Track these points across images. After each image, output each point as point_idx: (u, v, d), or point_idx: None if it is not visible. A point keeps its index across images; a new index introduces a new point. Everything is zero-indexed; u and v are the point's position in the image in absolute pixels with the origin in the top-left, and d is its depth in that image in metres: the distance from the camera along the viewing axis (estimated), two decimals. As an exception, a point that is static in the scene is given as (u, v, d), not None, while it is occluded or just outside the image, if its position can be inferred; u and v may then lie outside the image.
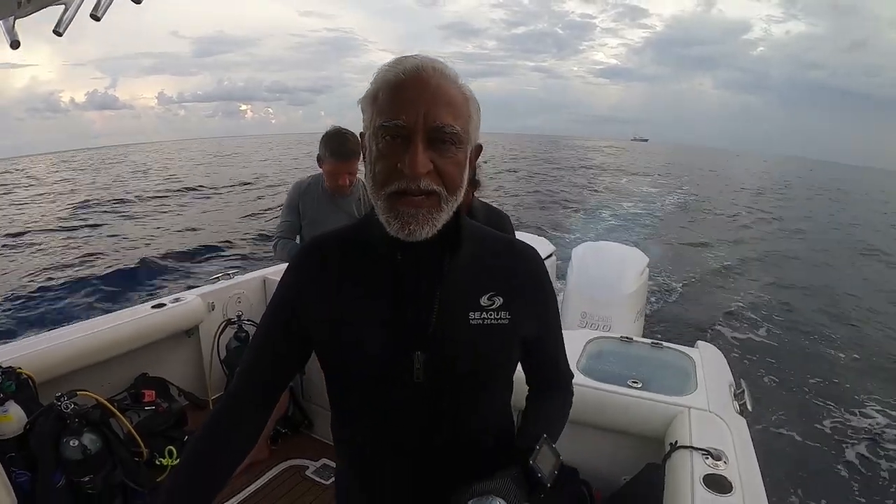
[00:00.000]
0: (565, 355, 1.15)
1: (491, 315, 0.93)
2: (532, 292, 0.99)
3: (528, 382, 1.14)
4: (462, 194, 0.89)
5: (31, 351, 2.35)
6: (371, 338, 0.92)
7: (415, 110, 0.80)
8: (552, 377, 1.13)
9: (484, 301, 0.94)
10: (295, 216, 2.69)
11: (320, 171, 2.60)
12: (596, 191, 25.88)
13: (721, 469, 1.61)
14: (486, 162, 2.38)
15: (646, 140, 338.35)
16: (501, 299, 0.94)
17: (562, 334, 1.11)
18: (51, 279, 8.92)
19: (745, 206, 24.16)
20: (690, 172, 48.47)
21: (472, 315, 0.93)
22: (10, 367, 2.15)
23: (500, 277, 0.96)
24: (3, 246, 12.33)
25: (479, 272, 0.96)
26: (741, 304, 8.94)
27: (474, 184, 2.30)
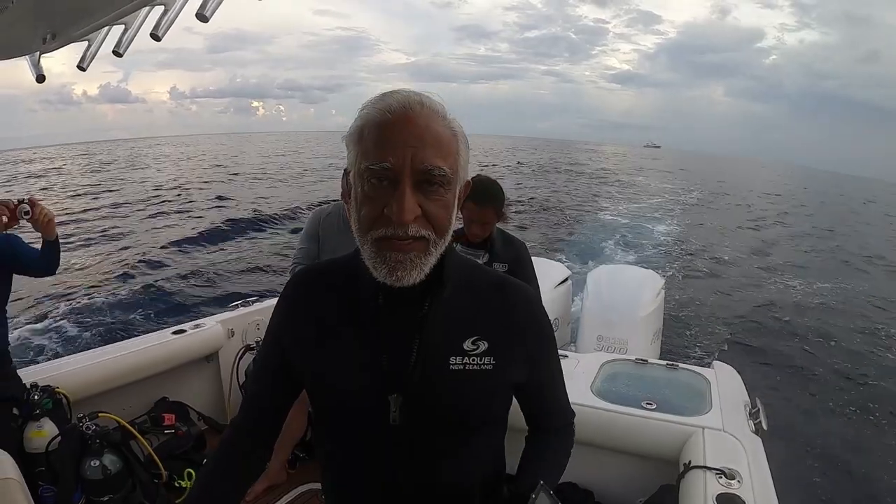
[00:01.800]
0: (566, 396, 1.10)
1: (473, 361, 0.90)
2: (523, 333, 0.95)
3: (527, 422, 1.10)
4: (450, 235, 0.86)
5: (65, 371, 2.42)
6: (348, 379, 0.91)
7: (402, 152, 0.77)
8: (549, 421, 1.09)
9: (467, 345, 0.90)
10: (314, 244, 2.70)
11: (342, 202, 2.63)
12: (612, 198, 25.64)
13: (735, 488, 1.60)
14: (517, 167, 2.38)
15: (658, 147, 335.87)
16: (486, 344, 0.90)
17: (560, 371, 1.06)
18: (81, 299, 9.08)
19: (762, 216, 23.94)
20: (707, 180, 48.12)
21: (452, 360, 0.89)
22: (48, 385, 2.23)
23: (486, 320, 0.92)
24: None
25: (464, 314, 0.92)
26: (760, 321, 8.80)
27: (500, 216, 2.31)
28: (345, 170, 0.89)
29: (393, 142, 0.77)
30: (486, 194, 2.25)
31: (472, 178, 2.33)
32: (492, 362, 0.90)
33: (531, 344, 0.96)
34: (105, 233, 14.74)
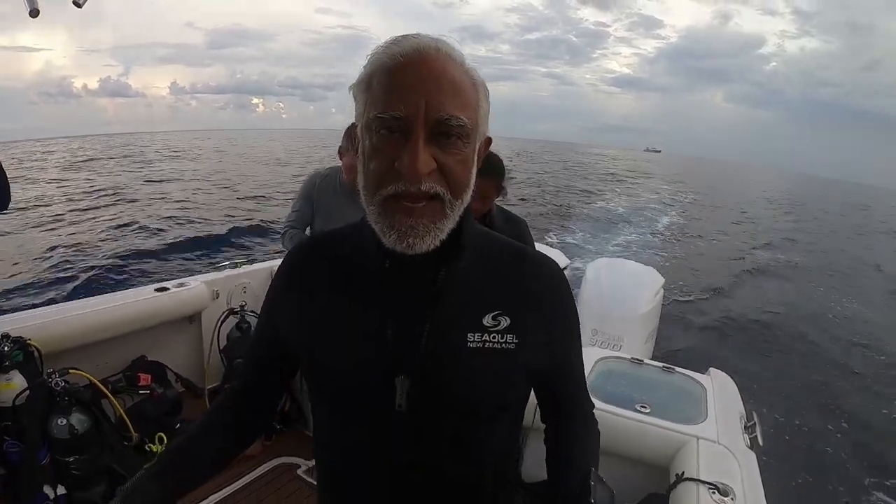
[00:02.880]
0: (585, 386, 0.99)
1: (494, 338, 0.80)
2: (548, 312, 0.85)
3: (543, 413, 0.99)
4: (469, 196, 0.77)
5: (38, 322, 2.34)
6: (350, 358, 0.82)
7: (415, 99, 0.68)
8: (576, 408, 0.98)
9: (487, 321, 0.80)
10: (308, 207, 2.63)
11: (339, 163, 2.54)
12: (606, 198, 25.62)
13: (727, 506, 1.54)
14: (512, 170, 2.32)
15: (658, 151, 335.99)
16: (508, 320, 0.80)
17: (582, 361, 0.96)
18: (65, 253, 9.00)
19: (763, 223, 23.97)
20: (709, 185, 48.26)
21: (470, 336, 0.79)
22: (19, 336, 2.15)
23: (508, 294, 0.83)
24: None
25: (484, 287, 0.82)
26: (756, 330, 8.77)
27: (500, 191, 2.23)
28: (348, 127, 0.80)
29: (405, 88, 0.69)
30: (488, 166, 2.17)
31: None
32: (514, 340, 0.80)
33: (558, 323, 0.87)
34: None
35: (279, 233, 2.81)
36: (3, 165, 1.88)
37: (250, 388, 0.98)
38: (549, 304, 0.86)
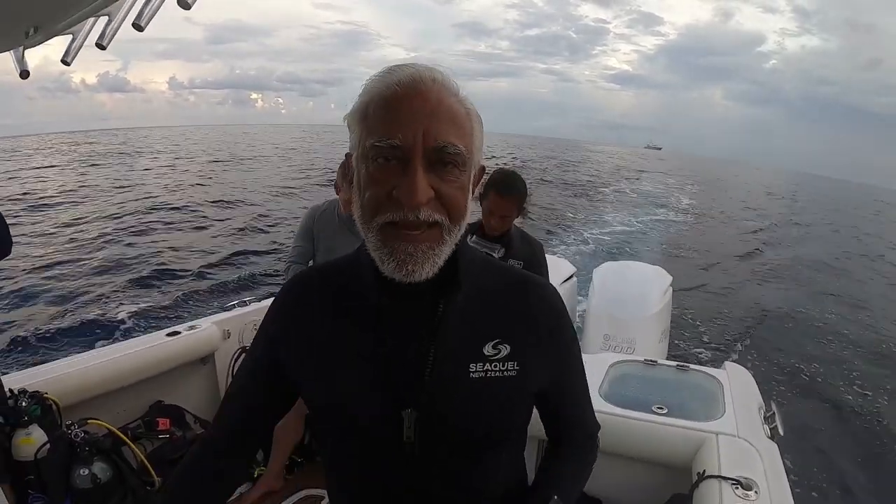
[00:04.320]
0: (590, 406, 1.01)
1: (496, 367, 0.81)
2: (547, 338, 0.87)
3: (547, 434, 1.01)
4: (465, 223, 0.78)
5: (54, 376, 2.35)
6: (354, 394, 0.82)
7: (412, 128, 0.69)
8: (572, 433, 0.99)
9: (488, 350, 0.82)
10: (308, 242, 2.65)
11: (336, 198, 2.57)
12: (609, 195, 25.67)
13: (752, 500, 1.53)
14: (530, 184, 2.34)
15: (659, 148, 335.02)
16: (508, 347, 0.82)
17: (585, 381, 0.98)
18: (72, 301, 9.04)
19: (769, 217, 23.88)
20: (711, 182, 48.19)
21: (472, 367, 0.81)
22: (36, 391, 2.16)
23: (507, 322, 0.84)
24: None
25: (483, 315, 0.84)
26: (771, 321, 8.72)
27: (521, 210, 2.28)
28: (342, 163, 0.81)
29: (402, 117, 0.70)
30: (510, 185, 2.21)
31: (495, 170, 2.30)
32: (515, 367, 0.82)
33: (555, 348, 0.89)
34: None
35: (281, 273, 2.83)
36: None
37: (234, 432, 0.94)
38: (546, 329, 0.87)
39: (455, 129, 0.72)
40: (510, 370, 0.82)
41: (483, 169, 0.84)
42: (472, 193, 0.80)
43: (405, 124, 0.70)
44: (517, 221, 2.33)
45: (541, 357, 0.86)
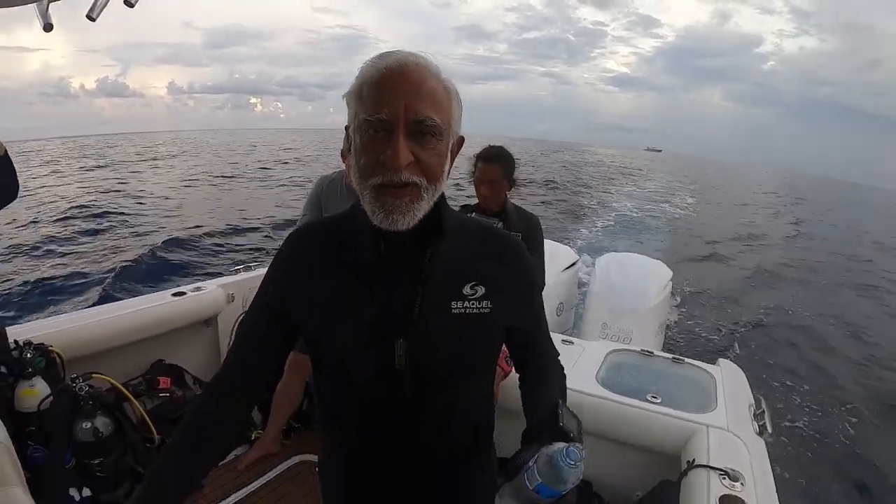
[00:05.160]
0: (550, 338, 1.16)
1: (473, 304, 0.95)
2: (514, 281, 1.01)
3: (516, 365, 1.16)
4: (443, 184, 0.91)
5: (59, 329, 2.38)
6: (353, 327, 0.94)
7: (396, 104, 0.82)
8: (543, 362, 1.13)
9: (466, 290, 0.95)
10: (317, 211, 2.65)
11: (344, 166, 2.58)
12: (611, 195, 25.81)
13: (738, 491, 1.57)
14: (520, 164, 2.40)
15: (659, 151, 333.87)
16: (483, 288, 0.96)
17: (545, 320, 1.13)
18: (82, 260, 9.09)
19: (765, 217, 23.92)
20: (712, 183, 48.25)
21: (454, 304, 0.94)
22: (41, 343, 2.19)
23: (481, 266, 0.98)
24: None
25: (462, 262, 0.97)
26: (766, 320, 8.75)
27: (511, 182, 2.34)
28: (345, 127, 0.93)
29: (388, 95, 0.83)
30: (494, 153, 2.32)
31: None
32: (489, 306, 0.96)
33: (522, 288, 1.04)
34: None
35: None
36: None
37: (246, 365, 1.01)
38: (515, 273, 1.02)
39: (434, 104, 0.85)
40: (485, 308, 0.96)
41: (462, 139, 0.96)
42: (451, 160, 0.93)
43: (391, 101, 0.83)
44: (510, 194, 2.39)
45: (510, 295, 1.00)
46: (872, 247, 20.01)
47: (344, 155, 2.54)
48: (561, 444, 0.86)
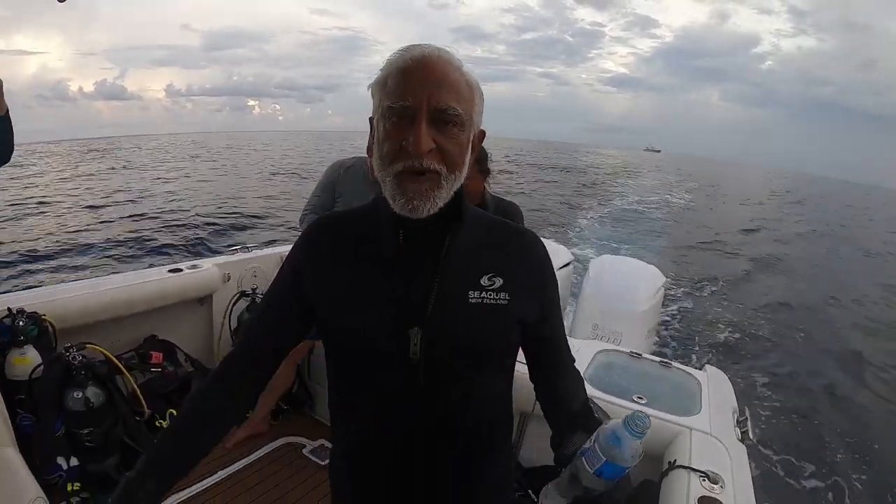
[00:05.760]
0: (567, 343, 1.14)
1: (490, 295, 0.95)
2: (532, 276, 1.01)
3: (532, 368, 1.12)
4: (463, 175, 0.92)
5: (53, 299, 2.39)
6: (369, 314, 0.94)
7: (420, 92, 0.84)
8: (558, 359, 1.12)
9: (484, 281, 0.95)
10: (328, 195, 2.63)
11: (366, 156, 2.58)
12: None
13: (717, 493, 1.59)
14: (505, 162, 2.39)
15: (658, 151, 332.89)
16: (501, 280, 0.96)
17: (563, 325, 1.12)
18: (81, 233, 9.08)
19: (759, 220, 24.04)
20: (713, 183, 48.40)
21: (471, 294, 0.94)
22: (34, 312, 2.20)
23: (500, 259, 0.98)
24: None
25: (480, 253, 0.98)
26: (757, 329, 8.81)
27: (485, 172, 2.32)
28: (369, 119, 0.94)
29: (413, 83, 0.85)
30: None
31: None
32: (506, 297, 0.96)
33: (540, 285, 1.03)
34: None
35: (296, 223, 2.82)
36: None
37: (257, 351, 1.02)
38: (532, 268, 1.02)
39: (456, 95, 0.87)
40: (502, 299, 0.95)
41: (483, 133, 0.99)
42: (472, 152, 0.95)
43: (415, 90, 0.85)
44: (486, 185, 2.38)
45: (528, 293, 0.99)
46: (872, 248, 20.11)
47: (370, 149, 2.53)
48: (619, 420, 0.86)
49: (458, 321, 0.94)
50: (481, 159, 2.30)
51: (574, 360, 1.15)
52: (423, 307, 0.93)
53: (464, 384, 0.98)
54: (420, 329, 0.92)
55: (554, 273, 1.08)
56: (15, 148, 1.91)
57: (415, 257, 0.94)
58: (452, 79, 0.88)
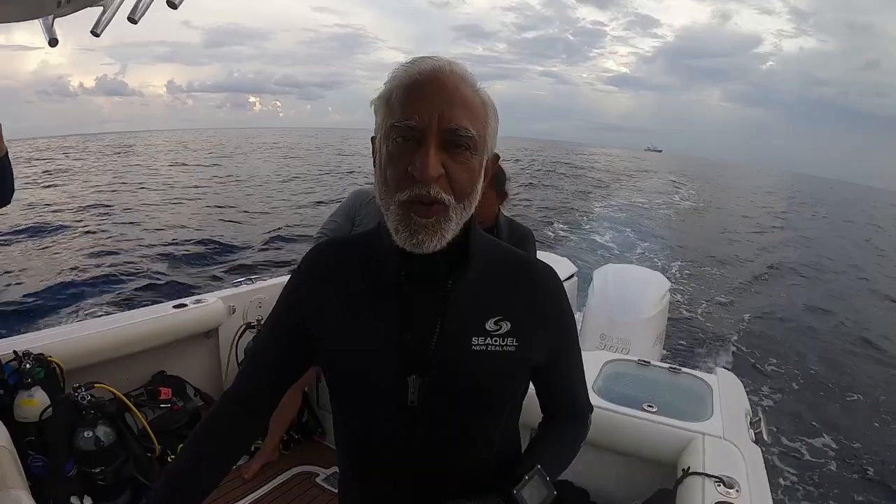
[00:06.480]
0: (585, 389, 1.07)
1: (496, 341, 0.87)
2: (546, 318, 0.93)
3: (542, 410, 1.07)
4: (473, 205, 0.84)
5: (59, 340, 2.40)
6: (366, 358, 0.88)
7: (429, 110, 0.76)
8: (566, 408, 1.06)
9: (490, 326, 0.87)
10: (346, 221, 2.55)
11: None
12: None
13: (733, 497, 1.58)
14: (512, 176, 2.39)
15: (660, 151, 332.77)
16: (509, 324, 0.88)
17: (581, 363, 1.04)
18: (81, 271, 9.12)
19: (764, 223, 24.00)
20: (713, 184, 48.44)
21: (475, 340, 0.87)
22: (40, 353, 2.21)
23: (510, 300, 0.90)
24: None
25: (488, 293, 0.89)
26: (766, 331, 8.77)
27: (501, 195, 2.28)
28: (371, 138, 0.86)
29: (420, 101, 0.77)
30: None
31: None
32: (514, 343, 0.88)
33: (555, 328, 0.95)
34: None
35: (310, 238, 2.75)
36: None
37: (261, 390, 0.99)
38: (547, 310, 0.93)
39: (468, 114, 0.78)
40: (509, 345, 0.87)
41: (497, 157, 0.90)
42: (483, 179, 0.85)
43: (423, 107, 0.76)
44: (501, 207, 2.34)
45: (539, 336, 0.91)
46: (871, 249, 20.04)
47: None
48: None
49: (460, 370, 0.87)
50: (498, 181, 2.25)
51: (591, 410, 1.09)
52: (423, 354, 0.86)
53: (466, 429, 0.91)
54: (419, 378, 0.86)
55: (570, 309, 0.99)
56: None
57: (418, 297, 0.87)
58: (465, 96, 0.79)
